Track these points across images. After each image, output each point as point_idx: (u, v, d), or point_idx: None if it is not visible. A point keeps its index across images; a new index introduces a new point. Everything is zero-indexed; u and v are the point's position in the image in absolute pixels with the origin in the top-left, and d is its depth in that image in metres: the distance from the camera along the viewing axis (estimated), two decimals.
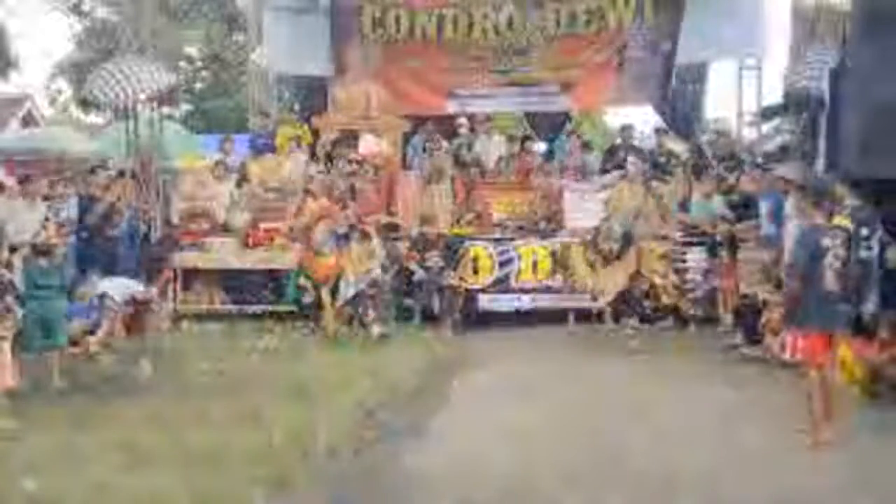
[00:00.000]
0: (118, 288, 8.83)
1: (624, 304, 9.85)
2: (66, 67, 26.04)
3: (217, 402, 6.53)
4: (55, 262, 7.72)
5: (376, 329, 9.30)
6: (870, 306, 7.27)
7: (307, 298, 9.83)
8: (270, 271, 10.81)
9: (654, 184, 11.06)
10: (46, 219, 9.22)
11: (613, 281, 9.74)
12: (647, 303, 10.07)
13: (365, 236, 10.02)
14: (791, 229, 8.05)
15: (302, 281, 9.85)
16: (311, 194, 10.80)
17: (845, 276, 5.89)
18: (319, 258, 9.85)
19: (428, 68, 13.83)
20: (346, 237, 10.16)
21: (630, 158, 11.49)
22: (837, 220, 7.05)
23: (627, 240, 9.81)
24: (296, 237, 10.54)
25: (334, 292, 9.71)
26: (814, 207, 5.96)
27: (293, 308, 10.14)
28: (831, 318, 5.89)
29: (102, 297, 8.56)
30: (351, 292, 9.63)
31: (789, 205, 8.14)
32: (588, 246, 10.00)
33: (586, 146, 13.19)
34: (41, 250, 7.64)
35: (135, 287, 9.14)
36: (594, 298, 10.00)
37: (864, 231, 7.26)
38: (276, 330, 9.74)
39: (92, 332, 8.35)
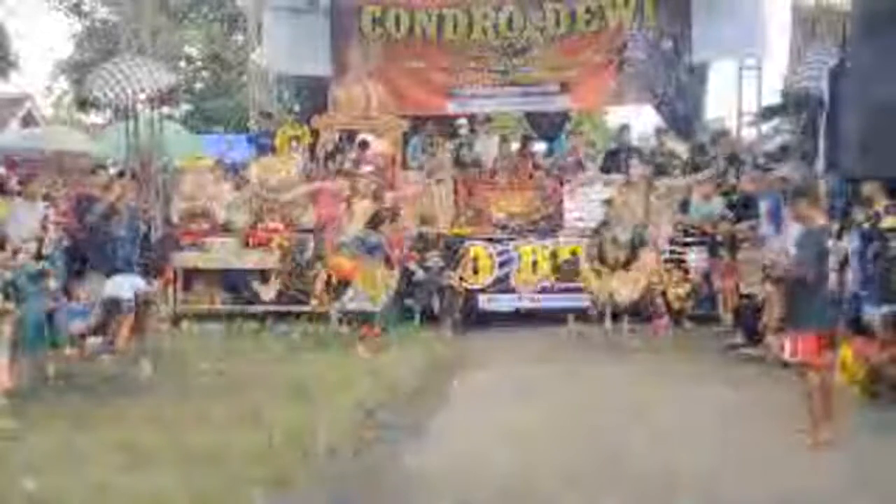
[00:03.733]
0: (129, 286, 8.59)
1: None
2: (66, 67, 26.03)
3: (217, 402, 6.53)
4: (52, 262, 7.70)
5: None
6: None
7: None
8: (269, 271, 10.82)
9: (659, 184, 11.03)
10: (45, 218, 9.21)
11: (623, 291, 9.54)
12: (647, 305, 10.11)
13: (388, 262, 9.33)
14: (789, 230, 8.08)
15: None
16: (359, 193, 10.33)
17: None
18: (340, 258, 9.38)
19: (428, 68, 13.83)
20: (373, 251, 9.28)
21: (633, 161, 11.48)
22: (890, 221, 7.05)
23: (635, 247, 9.68)
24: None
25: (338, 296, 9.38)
26: (813, 208, 5.95)
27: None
28: (832, 319, 5.89)
29: (115, 301, 8.42)
30: (351, 306, 9.12)
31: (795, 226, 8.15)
32: (592, 256, 9.86)
33: (586, 146, 13.18)
34: (37, 249, 7.62)
35: (142, 285, 8.76)
36: (603, 308, 9.65)
37: None
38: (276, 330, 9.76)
39: (94, 333, 8.34)
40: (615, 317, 10.08)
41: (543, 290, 10.76)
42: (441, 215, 11.19)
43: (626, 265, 9.64)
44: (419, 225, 10.96)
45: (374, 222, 9.26)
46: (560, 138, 14.00)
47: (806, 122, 10.65)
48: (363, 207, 9.60)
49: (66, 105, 27.77)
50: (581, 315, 10.42)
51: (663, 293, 10.30)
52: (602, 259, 9.71)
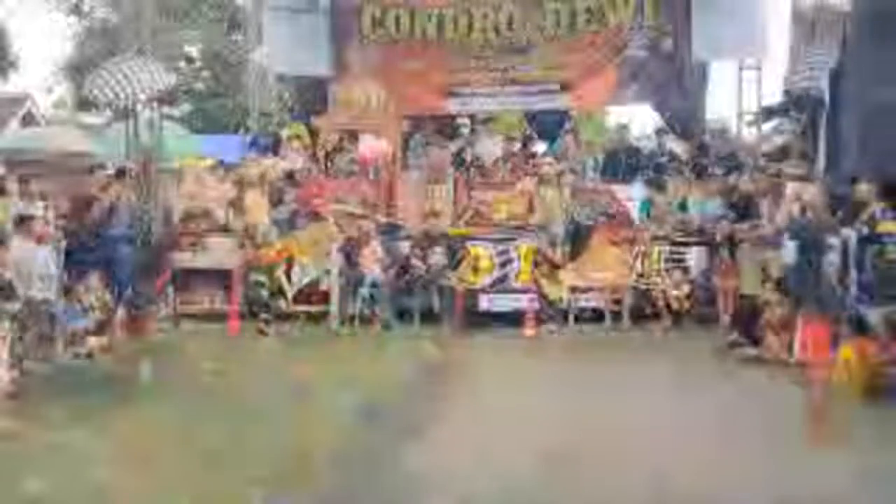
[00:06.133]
0: (35, 258, 8.19)
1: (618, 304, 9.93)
2: (66, 67, 26.04)
3: (217, 402, 6.54)
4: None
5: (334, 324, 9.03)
6: None
7: (265, 293, 9.60)
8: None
9: (566, 181, 11.12)
10: (44, 218, 9.21)
11: (571, 281, 9.92)
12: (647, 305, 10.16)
13: (316, 218, 9.70)
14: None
15: (254, 277, 9.63)
16: (245, 185, 10.59)
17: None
18: (264, 250, 9.63)
19: (428, 68, 13.82)
20: (290, 223, 9.90)
21: (547, 159, 11.64)
22: (889, 226, 7.07)
23: (577, 238, 9.79)
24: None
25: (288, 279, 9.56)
26: (825, 209, 5.95)
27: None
28: (837, 314, 5.90)
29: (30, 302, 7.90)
30: (305, 279, 9.36)
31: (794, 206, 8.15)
32: (538, 260, 10.27)
33: (580, 146, 13.20)
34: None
35: (51, 266, 8.37)
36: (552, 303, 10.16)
37: None
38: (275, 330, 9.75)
39: (96, 333, 8.34)
40: (615, 316, 10.12)
41: None
42: (441, 214, 11.20)
43: (574, 258, 9.93)
44: (420, 224, 10.98)
45: (275, 201, 9.41)
46: (560, 138, 13.97)
47: (806, 122, 10.66)
48: (253, 196, 9.69)
49: (67, 105, 27.77)
50: (579, 314, 10.47)
51: (663, 293, 10.32)
52: (549, 259, 9.87)
